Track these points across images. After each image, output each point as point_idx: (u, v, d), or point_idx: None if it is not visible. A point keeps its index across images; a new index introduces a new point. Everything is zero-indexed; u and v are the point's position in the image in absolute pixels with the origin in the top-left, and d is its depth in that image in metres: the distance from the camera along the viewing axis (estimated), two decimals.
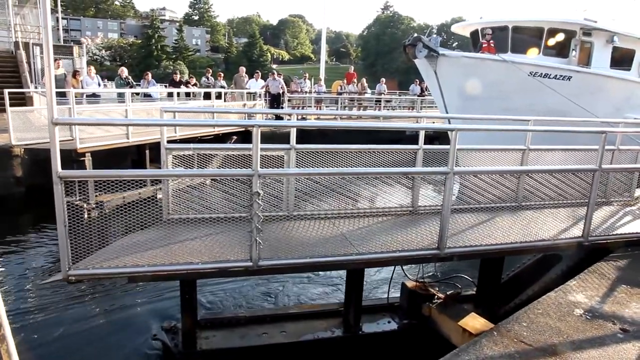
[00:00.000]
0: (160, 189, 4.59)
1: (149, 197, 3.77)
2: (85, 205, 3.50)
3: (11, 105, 10.80)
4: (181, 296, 4.71)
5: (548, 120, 7.82)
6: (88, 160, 10.49)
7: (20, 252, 8.74)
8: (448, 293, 5.86)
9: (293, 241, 4.31)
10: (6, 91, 10.45)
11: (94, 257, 3.72)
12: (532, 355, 3.16)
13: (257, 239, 3.80)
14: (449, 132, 4.49)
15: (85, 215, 3.42)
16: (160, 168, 4.94)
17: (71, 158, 9.73)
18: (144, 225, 3.91)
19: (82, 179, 3.71)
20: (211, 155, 5.17)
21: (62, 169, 3.28)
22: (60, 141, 3.27)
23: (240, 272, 4.00)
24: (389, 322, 5.79)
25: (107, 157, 11.17)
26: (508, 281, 6.02)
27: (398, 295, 6.07)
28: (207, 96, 15.73)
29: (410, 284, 5.89)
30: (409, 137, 14.07)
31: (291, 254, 4.08)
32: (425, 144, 5.86)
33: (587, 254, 5.14)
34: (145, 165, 12.18)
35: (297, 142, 5.33)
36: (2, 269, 7.77)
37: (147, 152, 12.16)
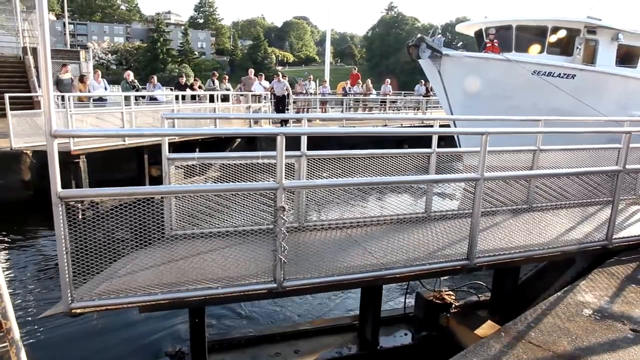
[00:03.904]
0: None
1: (145, 199, 3.46)
2: (79, 206, 3.19)
3: (19, 109, 10.92)
4: (190, 320, 4.34)
5: (558, 120, 7.75)
6: (83, 162, 10.40)
7: (27, 259, 8.73)
8: (465, 302, 5.74)
9: (311, 256, 3.99)
10: (7, 95, 10.48)
11: (96, 282, 3.36)
12: (541, 356, 3.13)
13: (282, 257, 3.53)
14: (456, 137, 4.45)
15: (80, 216, 3.14)
16: (160, 171, 4.72)
17: (65, 160, 9.48)
18: (147, 241, 3.56)
19: (87, 198, 3.31)
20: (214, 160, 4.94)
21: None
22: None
23: (263, 295, 3.68)
24: (405, 334, 5.56)
25: (103, 159, 11.11)
26: (522, 285, 5.89)
27: (412, 302, 5.88)
28: (213, 98, 15.79)
29: (426, 293, 5.71)
30: (413, 137, 14.03)
31: (317, 272, 3.78)
32: (430, 145, 5.73)
33: (601, 254, 5.06)
34: (144, 169, 12.18)
35: (298, 147, 5.02)
36: (7, 279, 7.65)
37: (146, 156, 12.11)
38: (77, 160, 10.27)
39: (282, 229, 3.47)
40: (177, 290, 3.40)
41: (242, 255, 3.90)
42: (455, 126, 11.80)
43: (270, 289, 3.59)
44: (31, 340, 5.63)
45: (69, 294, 3.12)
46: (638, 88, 13.30)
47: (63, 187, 2.96)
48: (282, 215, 3.45)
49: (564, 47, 13.27)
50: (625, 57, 13.61)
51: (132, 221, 3.38)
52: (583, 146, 6.30)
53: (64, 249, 3.02)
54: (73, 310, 3.16)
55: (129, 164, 12.36)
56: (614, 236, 4.95)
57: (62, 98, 11.56)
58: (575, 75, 12.32)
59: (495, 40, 13.28)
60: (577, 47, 12.98)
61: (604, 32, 13.01)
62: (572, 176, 5.85)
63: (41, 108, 13.57)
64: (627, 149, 4.88)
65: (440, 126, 6.84)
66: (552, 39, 13.25)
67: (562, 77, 12.21)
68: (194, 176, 4.80)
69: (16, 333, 2.84)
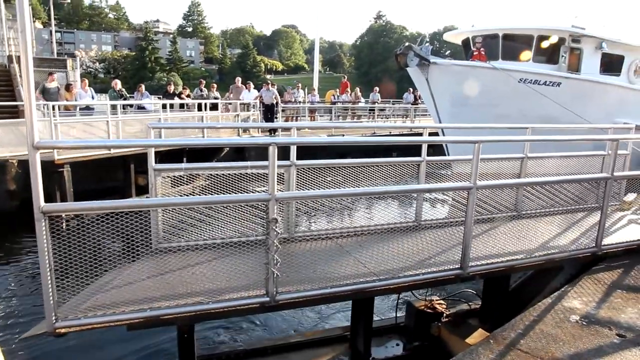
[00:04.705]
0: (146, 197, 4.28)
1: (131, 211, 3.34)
2: (63, 215, 3.08)
3: (5, 118, 10.78)
4: (178, 336, 4.18)
5: (546, 127, 7.84)
6: (67, 171, 10.25)
7: (12, 272, 8.55)
8: (456, 310, 5.74)
9: (302, 268, 3.93)
10: None
11: (81, 298, 3.21)
12: None
13: (275, 271, 3.45)
14: (444, 144, 4.44)
15: (64, 225, 3.03)
16: (147, 179, 4.55)
17: (49, 170, 9.35)
18: (134, 255, 3.46)
19: (71, 212, 3.17)
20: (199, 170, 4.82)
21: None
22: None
23: (256, 309, 3.60)
24: (397, 344, 5.52)
25: (88, 168, 11.00)
26: (512, 292, 5.88)
27: (403, 312, 5.85)
28: (201, 107, 15.74)
29: (417, 302, 5.69)
30: (402, 145, 14.11)
31: (310, 284, 3.71)
32: (418, 153, 5.69)
33: (589, 261, 5.10)
34: (131, 178, 12.07)
35: (287, 156, 4.90)
36: None
37: (132, 165, 12.01)
38: (61, 169, 10.11)
39: (275, 241, 3.41)
40: (167, 306, 3.31)
41: (232, 268, 3.82)
42: (444, 134, 11.89)
43: (262, 302, 3.52)
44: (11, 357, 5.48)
45: (53, 314, 2.99)
46: (622, 96, 13.55)
47: (46, 197, 2.86)
48: (274, 227, 3.39)
49: (550, 56, 13.47)
50: (609, 65, 13.87)
51: (118, 233, 3.27)
52: (570, 153, 6.37)
53: (47, 265, 2.89)
54: (57, 330, 3.03)
55: (115, 173, 12.23)
56: (603, 242, 5.00)
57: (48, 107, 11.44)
58: (560, 83, 12.51)
59: (482, 49, 13.45)
60: (563, 56, 13.19)
61: (588, 40, 13.25)
62: (562, 183, 5.91)
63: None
64: (615, 157, 4.93)
65: (429, 134, 6.89)
66: (538, 47, 13.46)
67: (548, 85, 12.39)
68: (181, 185, 4.72)
69: None
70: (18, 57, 18.16)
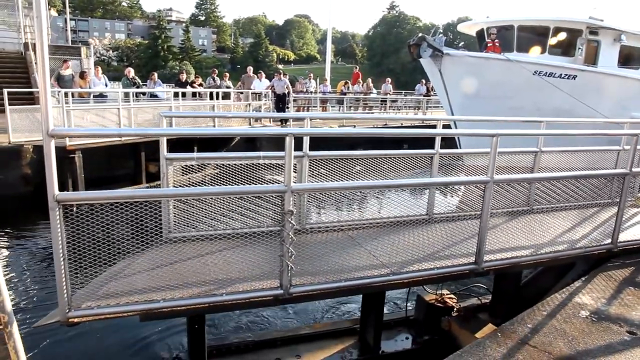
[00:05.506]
0: (159, 185, 4.26)
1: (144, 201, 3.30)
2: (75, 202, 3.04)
3: (21, 105, 10.92)
4: (189, 326, 4.16)
5: (561, 121, 7.70)
6: (79, 157, 10.32)
7: (26, 256, 8.64)
8: (467, 305, 5.71)
9: (315, 259, 3.88)
10: (5, 91, 10.52)
11: (93, 287, 3.22)
12: (537, 358, 3.13)
13: (290, 263, 3.38)
14: (456, 137, 4.38)
15: (75, 210, 3.00)
16: (158, 167, 4.57)
17: (61, 156, 9.44)
18: (145, 244, 3.42)
19: (85, 202, 3.12)
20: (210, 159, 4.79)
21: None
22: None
23: (269, 301, 3.54)
24: (407, 338, 5.51)
25: (99, 155, 11.07)
26: (523, 287, 5.82)
27: (412, 305, 5.83)
28: (212, 96, 15.75)
29: (427, 296, 5.67)
30: (413, 138, 14.00)
31: (323, 277, 3.68)
32: (429, 145, 5.62)
33: (602, 257, 5.03)
34: (141, 165, 12.15)
35: (299, 146, 4.78)
36: (5, 277, 7.48)
37: (143, 152, 12.11)
38: (72, 155, 10.19)
39: (290, 233, 3.33)
40: (179, 297, 3.28)
41: (244, 258, 3.80)
42: (456, 127, 11.80)
43: (276, 295, 3.48)
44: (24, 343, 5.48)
45: (66, 303, 2.98)
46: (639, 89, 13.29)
47: (59, 184, 2.83)
48: (290, 219, 3.31)
49: (566, 48, 13.26)
50: (628, 58, 13.59)
51: (129, 222, 3.23)
52: (585, 148, 6.25)
53: (61, 254, 2.86)
54: (70, 320, 3.01)
55: (126, 160, 12.32)
56: (618, 239, 4.93)
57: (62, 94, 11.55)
58: (576, 76, 12.31)
59: (496, 40, 13.27)
60: (579, 48, 12.96)
61: (606, 32, 12.99)
62: (578, 179, 5.82)
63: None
64: (634, 152, 4.83)
65: (442, 126, 6.80)
66: (554, 39, 13.23)
67: (563, 78, 12.20)
68: (191, 173, 4.71)
69: (14, 326, 2.82)
70: (34, 45, 18.32)
